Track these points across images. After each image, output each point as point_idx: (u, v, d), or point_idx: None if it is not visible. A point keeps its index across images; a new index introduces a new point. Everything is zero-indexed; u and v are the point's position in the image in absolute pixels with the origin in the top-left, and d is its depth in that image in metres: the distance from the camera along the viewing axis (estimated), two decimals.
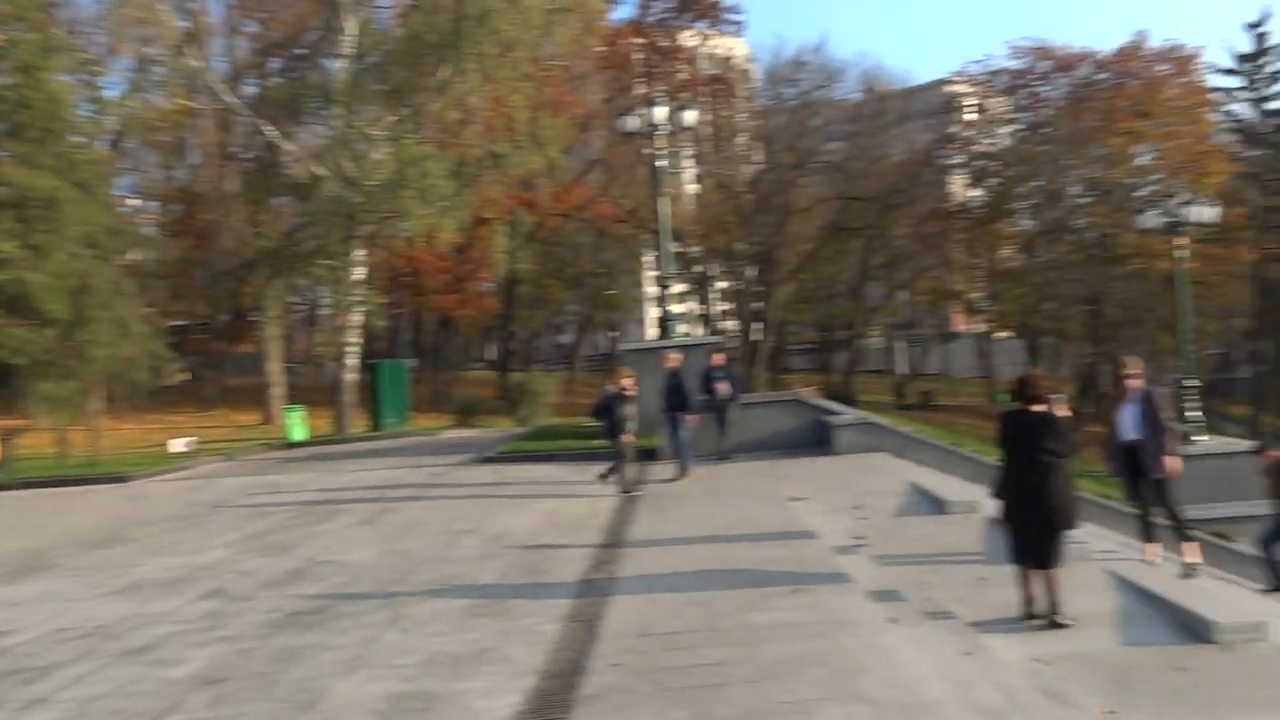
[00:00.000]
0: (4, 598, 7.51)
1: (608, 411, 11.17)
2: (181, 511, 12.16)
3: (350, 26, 25.74)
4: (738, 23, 49.39)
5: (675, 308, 18.03)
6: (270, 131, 26.73)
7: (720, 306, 48.74)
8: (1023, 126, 50.11)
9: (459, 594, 6.71)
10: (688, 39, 48.21)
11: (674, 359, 12.84)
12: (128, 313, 20.33)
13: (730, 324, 47.33)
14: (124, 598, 7.24)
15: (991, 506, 6.05)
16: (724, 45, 52.55)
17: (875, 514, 8.67)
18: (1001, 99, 50.81)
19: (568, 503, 10.65)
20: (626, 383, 11.42)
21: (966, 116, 52.23)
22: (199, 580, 7.71)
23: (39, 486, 16.17)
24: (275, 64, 37.80)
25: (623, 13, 46.28)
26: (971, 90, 52.64)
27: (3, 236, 18.36)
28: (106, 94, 27.31)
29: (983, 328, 51.69)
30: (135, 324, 20.45)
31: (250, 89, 34.03)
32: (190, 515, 11.76)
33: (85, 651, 5.80)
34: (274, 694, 4.87)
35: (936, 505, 8.78)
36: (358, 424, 24.88)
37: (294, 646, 5.67)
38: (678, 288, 18.38)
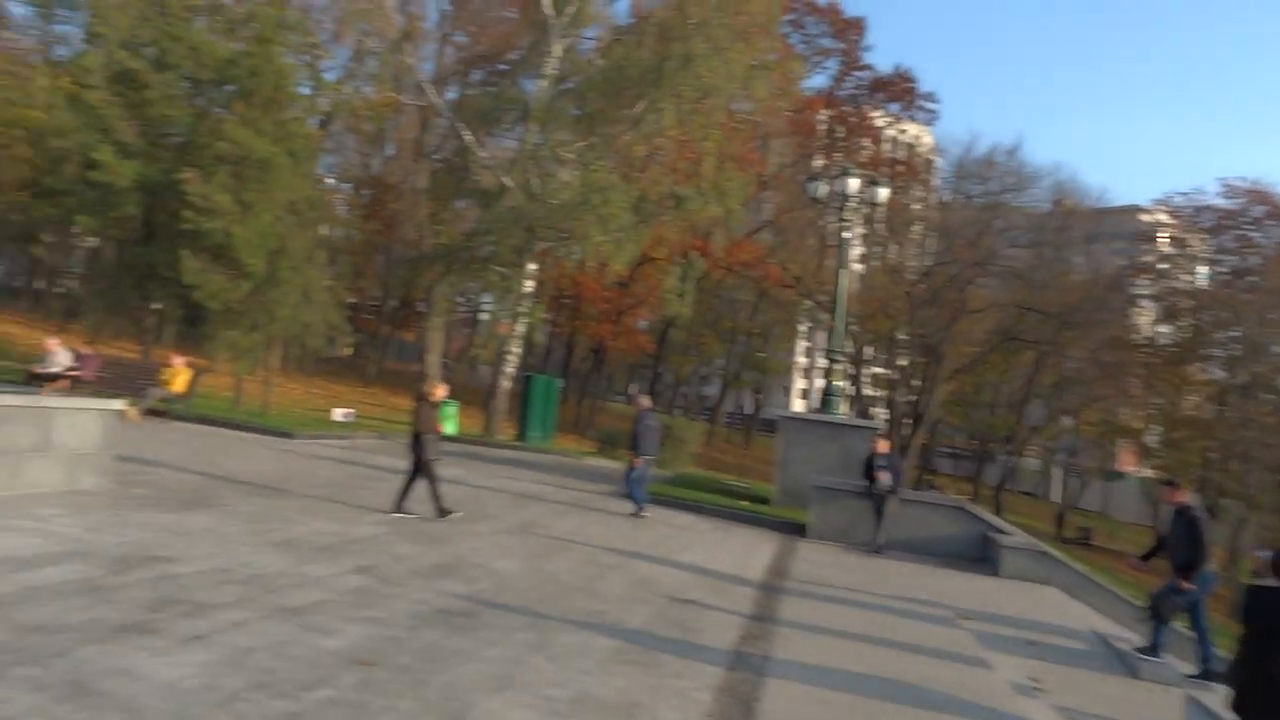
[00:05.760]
0: (173, 525, 7.68)
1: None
2: (339, 479, 12.44)
3: (556, 49, 26.55)
4: (931, 111, 48.68)
5: (838, 383, 17.48)
6: (466, 136, 27.76)
7: (870, 392, 47.42)
8: (1225, 270, 47.04)
9: (606, 633, 6.39)
10: (877, 119, 47.81)
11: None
12: (314, 280, 21.30)
13: (880, 412, 45.97)
14: (281, 552, 7.27)
15: (1216, 690, 5.28)
16: (911, 131, 51.88)
17: (1052, 657, 7.86)
18: (1203, 236, 47.96)
19: (714, 559, 10.25)
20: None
21: (1163, 248, 49.52)
22: (352, 553, 7.70)
23: (212, 424, 17.04)
24: (477, 74, 39.69)
25: (815, 82, 46.53)
26: (1172, 222, 49.88)
27: (218, 188, 19.57)
28: (325, 77, 29.11)
29: (1152, 473, 48.37)
30: (319, 292, 21.40)
31: (451, 94, 35.84)
32: (347, 484, 11.99)
33: (243, 598, 5.78)
34: (422, 694, 4.65)
35: (1125, 665, 7.88)
36: (504, 431, 25.23)
37: (442, 647, 5.47)
38: (840, 365, 17.90)
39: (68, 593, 5.30)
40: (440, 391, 10.57)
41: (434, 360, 33.56)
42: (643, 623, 6.88)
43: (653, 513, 13.38)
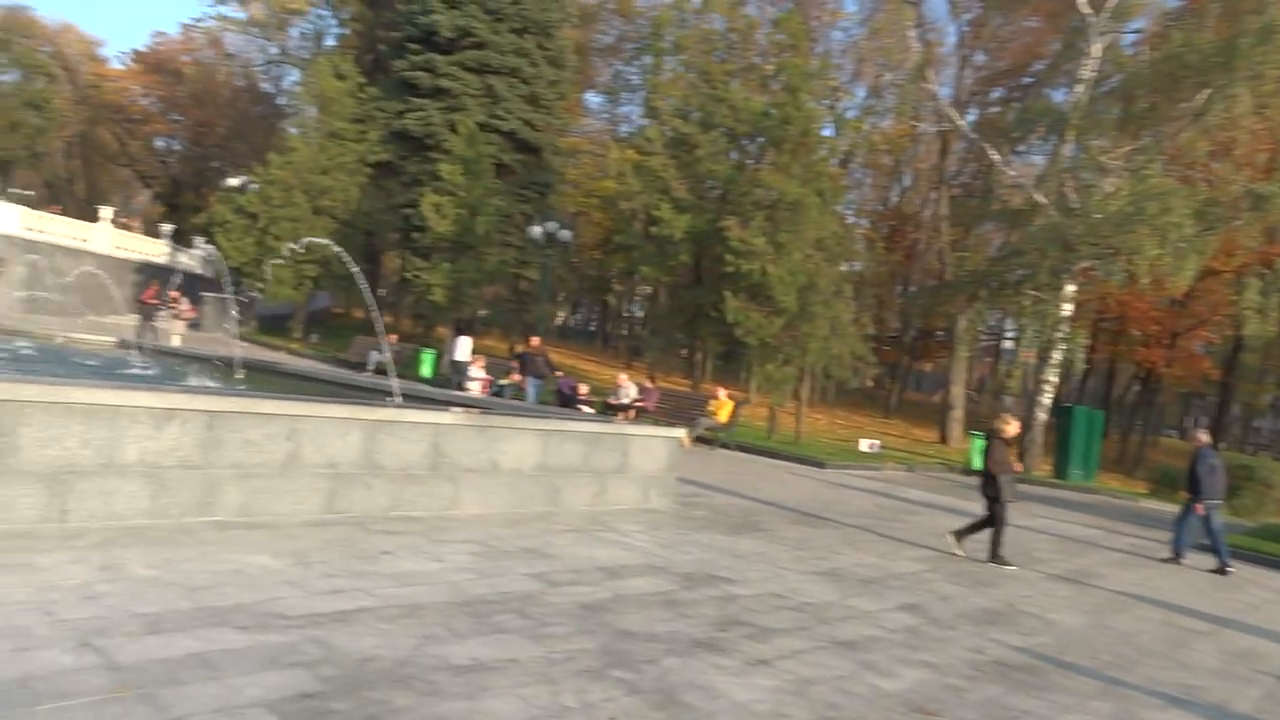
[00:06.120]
0: (728, 547, 8.23)
1: None
2: (871, 510, 12.46)
3: (1094, 49, 24.11)
4: None
5: None
6: (993, 155, 26.44)
7: None
8: None
9: (1204, 714, 5.36)
10: None
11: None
12: (842, 314, 21.86)
13: None
14: (828, 582, 7.36)
15: None
16: None
17: None
18: None
19: None
20: None
21: None
22: (895, 588, 7.53)
23: (750, 452, 18.32)
24: (998, 92, 37.98)
25: None
26: None
27: (755, 232, 21.03)
28: (845, 116, 30.01)
29: None
30: (846, 325, 21.90)
31: (971, 116, 34.62)
32: (880, 516, 11.95)
33: (798, 626, 5.89)
34: None
35: None
36: (1040, 468, 23.49)
37: (1007, 705, 5.00)
38: None
39: (649, 604, 5.86)
40: (1013, 427, 9.83)
41: (958, 391, 32.44)
42: (1252, 707, 5.68)
43: (1255, 573, 11.26)
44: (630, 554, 7.32)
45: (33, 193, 54.09)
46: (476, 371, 20.56)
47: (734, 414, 19.18)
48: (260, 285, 31.34)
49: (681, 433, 10.87)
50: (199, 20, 59.24)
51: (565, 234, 26.78)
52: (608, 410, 18.57)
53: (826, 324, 21.09)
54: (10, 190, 48.41)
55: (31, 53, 60.55)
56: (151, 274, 34.06)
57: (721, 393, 19.36)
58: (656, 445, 9.93)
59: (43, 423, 5.54)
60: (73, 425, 5.66)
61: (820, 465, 17.57)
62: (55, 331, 14.95)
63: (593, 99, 52.76)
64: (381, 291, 43.62)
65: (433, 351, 27.29)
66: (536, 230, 26.44)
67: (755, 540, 8.80)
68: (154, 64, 62.45)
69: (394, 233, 37.18)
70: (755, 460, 17.54)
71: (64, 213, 41.70)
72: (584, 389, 19.67)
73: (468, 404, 10.10)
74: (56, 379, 6.87)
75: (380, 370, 22.01)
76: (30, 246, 32.61)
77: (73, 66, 63.89)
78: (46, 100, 59.99)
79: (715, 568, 7.25)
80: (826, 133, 25.79)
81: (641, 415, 18.85)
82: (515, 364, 21.52)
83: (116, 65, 66.06)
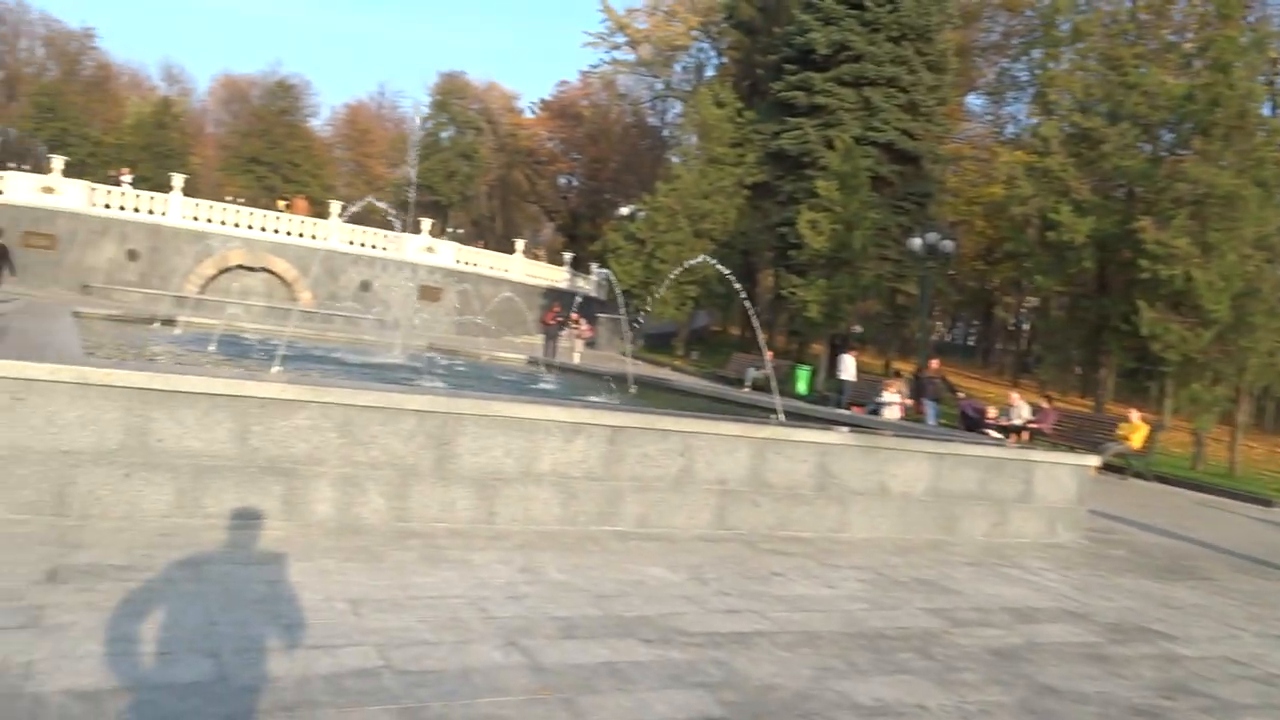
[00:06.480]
0: (1158, 595, 7.12)
1: None
2: None
3: None
4: None
5: None
6: None
7: None
8: None
9: None
10: None
11: None
12: None
13: None
14: None
15: None
16: None
17: None
18: None
19: None
20: None
21: None
22: None
23: (1170, 483, 16.05)
24: None
25: None
26: None
27: (1176, 232, 18.45)
28: None
29: None
30: None
31: None
32: None
33: (1269, 703, 4.86)
34: None
35: None
36: None
37: None
38: None
39: (1071, 656, 5.17)
40: None
41: None
42: None
43: None
44: (1041, 595, 6.58)
45: (463, 231, 62.73)
46: (891, 396, 19.61)
47: (1149, 439, 16.89)
48: (648, 306, 33.44)
49: (1093, 460, 9.68)
50: (595, 67, 65.02)
51: (947, 244, 25.44)
52: (1000, 432, 17.22)
53: (1271, 336, 17.89)
54: (446, 230, 56.48)
55: (465, 110, 70.37)
56: (554, 298, 37.81)
57: (1135, 415, 17.13)
58: (1064, 473, 8.92)
59: (474, 434, 6.16)
60: (498, 436, 6.24)
61: (1266, 503, 14.84)
62: (481, 350, 16.99)
63: (974, 101, 50.00)
64: (756, 309, 44.66)
65: (808, 368, 27.27)
66: (916, 242, 25.40)
67: (1193, 590, 7.53)
68: (558, 110, 69.74)
69: (770, 251, 37.89)
70: (1176, 493, 15.27)
71: (486, 247, 47.80)
72: (992, 412, 18.39)
73: (852, 423, 9.80)
74: (484, 395, 7.66)
75: (758, 386, 22.39)
76: (461, 277, 37.73)
77: (495, 119, 73.28)
78: (475, 150, 69.34)
79: (1147, 619, 6.28)
80: (1266, 113, 22.09)
81: (1035, 438, 17.24)
82: (891, 382, 20.73)
83: (528, 114, 74.74)
